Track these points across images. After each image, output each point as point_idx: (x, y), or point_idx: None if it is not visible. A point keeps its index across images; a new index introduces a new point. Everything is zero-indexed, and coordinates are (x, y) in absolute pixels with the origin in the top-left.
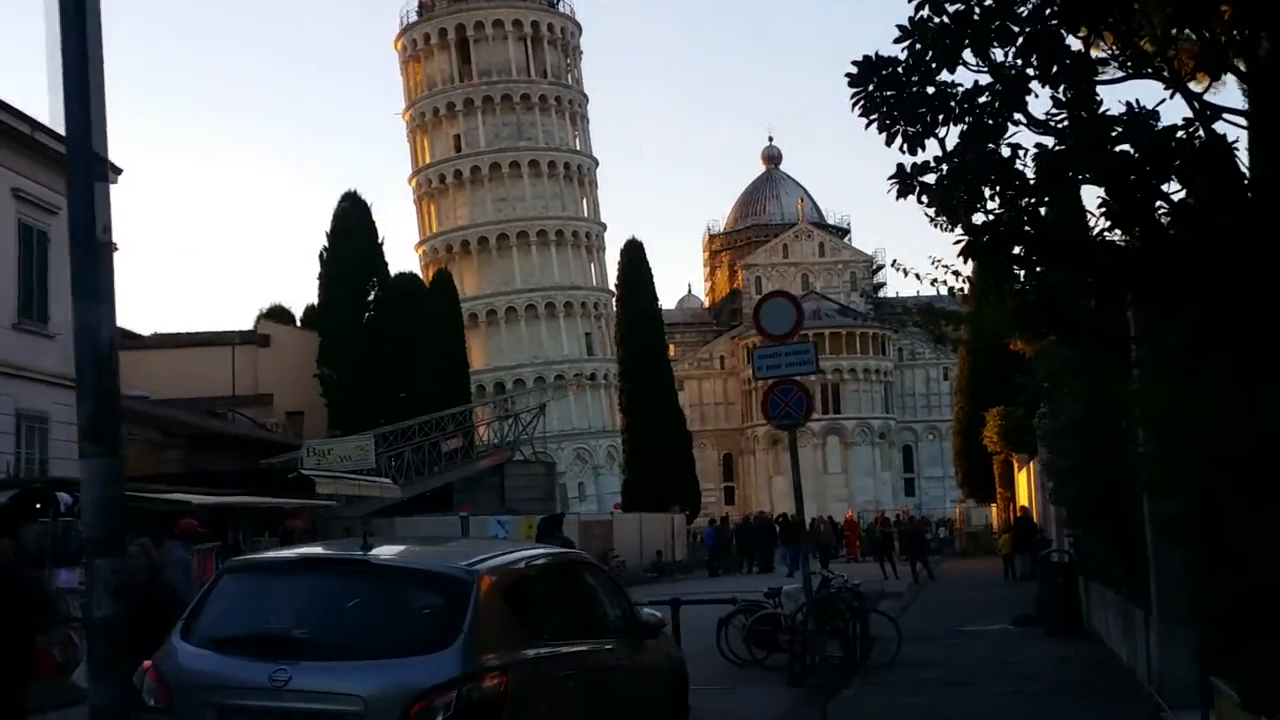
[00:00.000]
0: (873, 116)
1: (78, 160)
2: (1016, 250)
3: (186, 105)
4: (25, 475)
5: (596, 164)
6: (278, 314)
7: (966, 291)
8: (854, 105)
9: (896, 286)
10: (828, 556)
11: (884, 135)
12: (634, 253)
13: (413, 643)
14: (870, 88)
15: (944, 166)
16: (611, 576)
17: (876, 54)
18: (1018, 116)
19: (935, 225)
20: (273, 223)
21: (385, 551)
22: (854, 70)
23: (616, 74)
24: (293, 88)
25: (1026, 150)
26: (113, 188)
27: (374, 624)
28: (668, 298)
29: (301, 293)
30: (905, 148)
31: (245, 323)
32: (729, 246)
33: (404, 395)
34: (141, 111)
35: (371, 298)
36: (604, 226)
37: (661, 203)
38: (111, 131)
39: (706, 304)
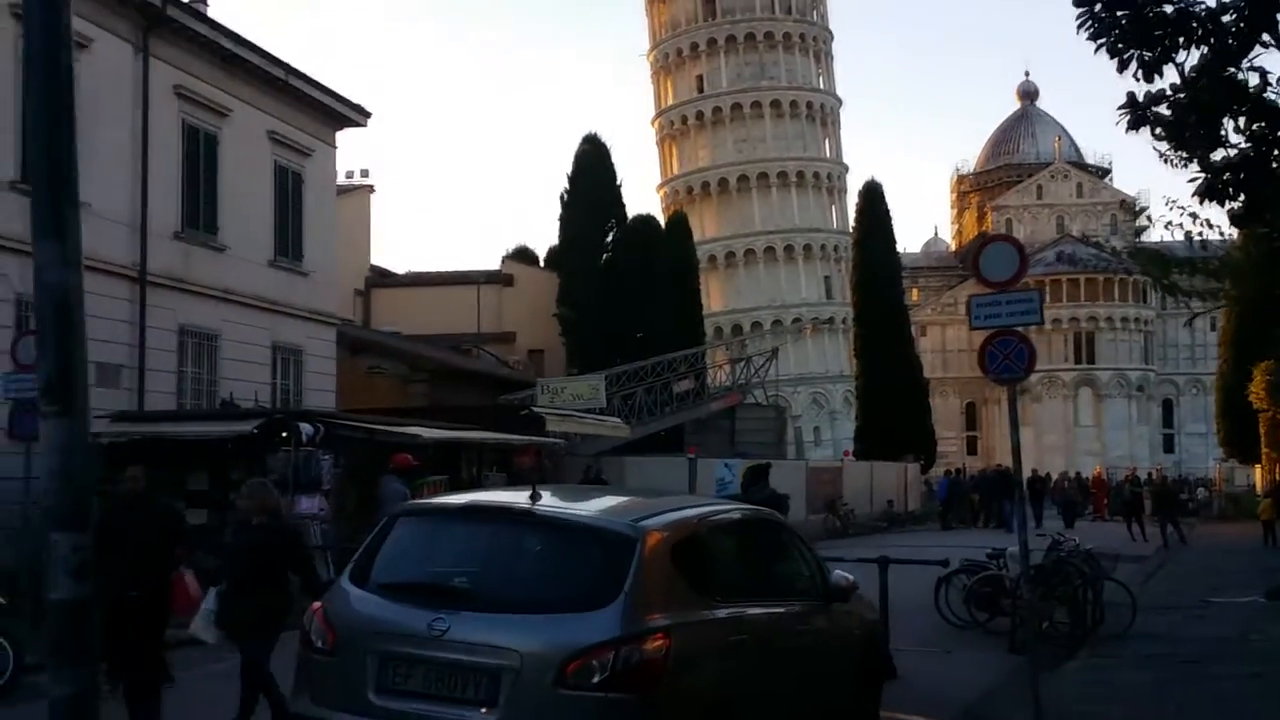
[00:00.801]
0: (1102, 40)
1: (36, 61)
2: (1265, 191)
3: (435, 44)
4: (281, 405)
5: (840, 103)
6: (522, 255)
7: (1204, 237)
8: (1080, 26)
9: (1161, 232)
10: (1072, 516)
11: (1115, 61)
12: (872, 194)
13: (573, 599)
14: (1099, 7)
15: (1181, 96)
16: (800, 536)
17: None
18: (1265, 38)
19: (1167, 163)
20: (522, 164)
21: (552, 502)
22: None
23: (865, 7)
24: (541, 32)
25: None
26: (365, 131)
27: (535, 577)
28: (913, 241)
29: (545, 234)
30: (1140, 74)
31: (493, 263)
32: (978, 187)
33: (640, 336)
34: (392, 53)
35: (610, 239)
36: (846, 168)
37: (909, 142)
38: (361, 71)
39: (953, 248)
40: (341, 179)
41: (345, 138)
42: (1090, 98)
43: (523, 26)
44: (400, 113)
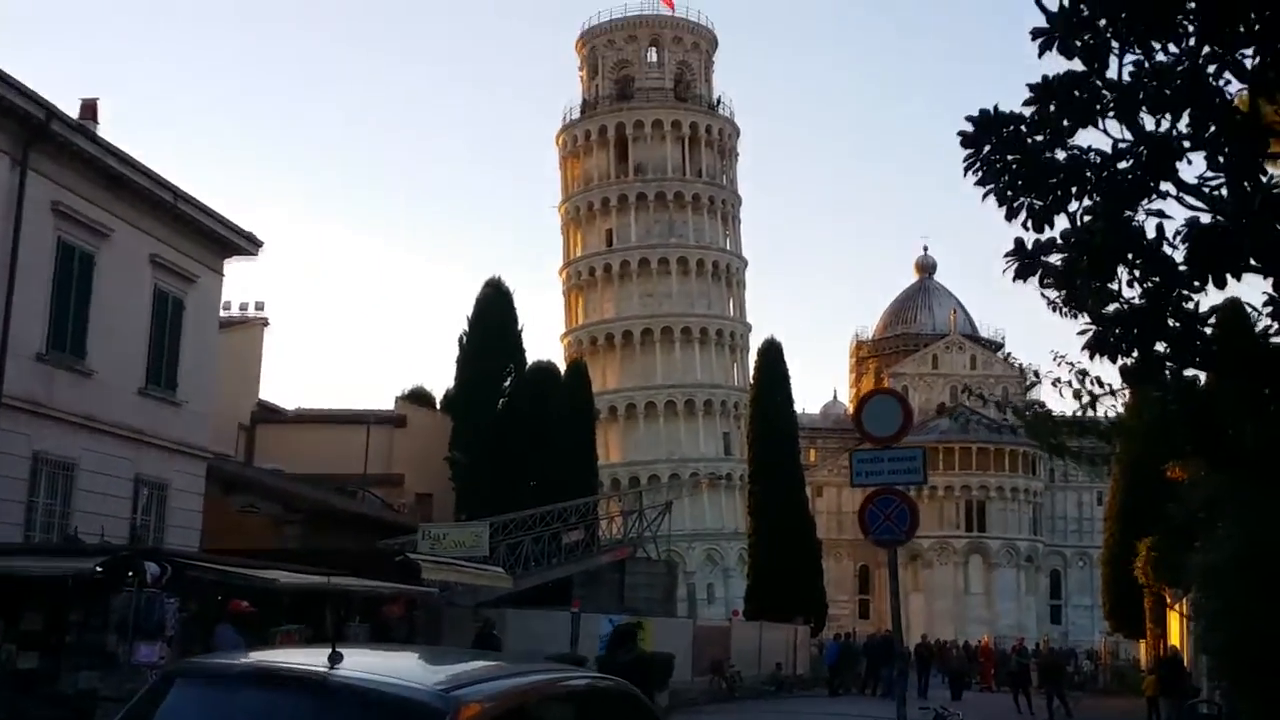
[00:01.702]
0: (991, 186)
1: None
2: (1158, 347)
3: (348, 185)
4: (139, 541)
5: (745, 264)
6: (418, 396)
7: (1094, 395)
8: (968, 169)
9: (1050, 405)
10: (960, 686)
11: (1004, 209)
12: (771, 352)
13: None
14: (987, 149)
15: (1072, 240)
16: (654, 710)
17: (996, 108)
18: (1165, 187)
19: (1058, 312)
20: (423, 305)
21: (355, 664)
22: (969, 128)
23: (772, 174)
24: (450, 175)
25: (1176, 227)
26: (259, 261)
27: None
28: (812, 402)
29: (444, 376)
30: (1030, 224)
31: (391, 403)
32: (877, 354)
33: (534, 484)
34: (301, 187)
35: (508, 384)
36: (749, 327)
37: (812, 306)
38: (268, 201)
39: (851, 411)
40: (235, 310)
41: (243, 268)
42: (985, 274)
43: (435, 168)
44: (303, 247)
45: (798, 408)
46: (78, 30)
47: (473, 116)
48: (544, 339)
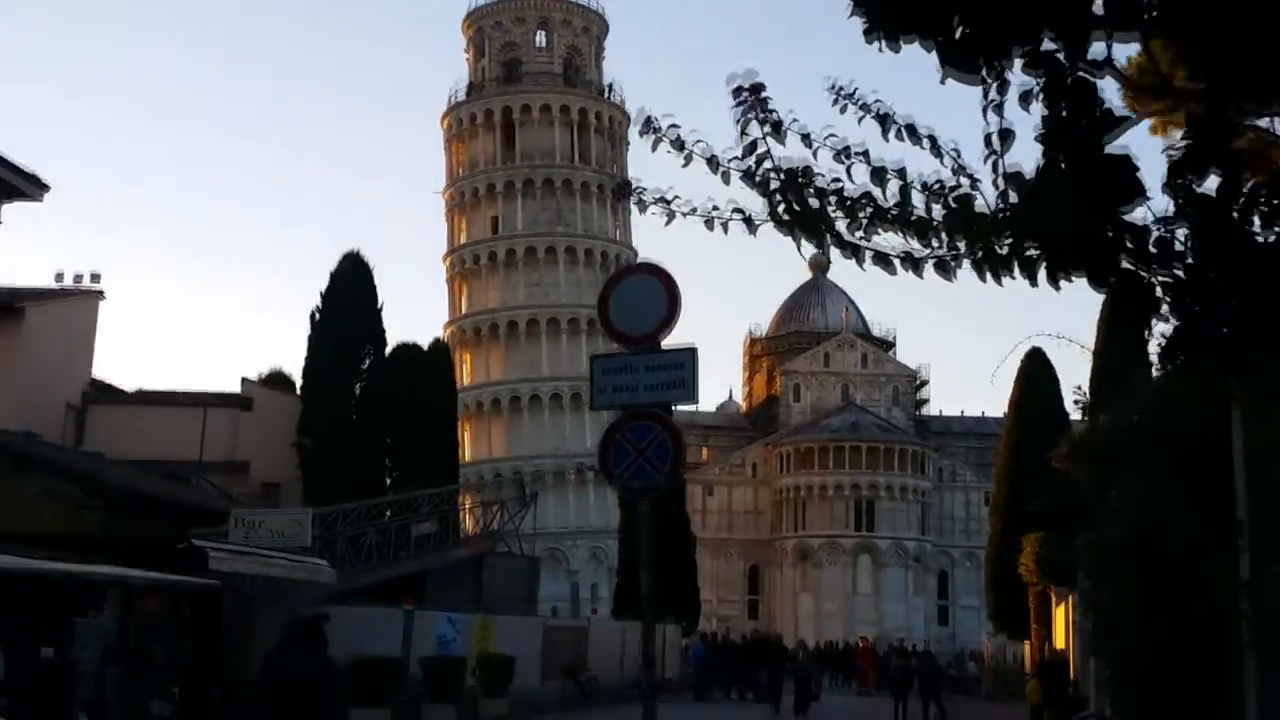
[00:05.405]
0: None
1: None
2: None
3: (211, 154)
4: None
5: (636, 255)
6: (276, 379)
7: (906, 178)
8: None
9: (940, 405)
10: (805, 694)
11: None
12: None
13: None
14: None
15: None
16: None
17: None
18: None
19: None
20: (290, 283)
21: None
22: None
23: (665, 165)
24: (325, 150)
25: None
26: (107, 228)
27: None
28: (707, 399)
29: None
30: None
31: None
32: (770, 352)
33: (395, 475)
34: (151, 143)
35: (366, 366)
36: None
37: (707, 301)
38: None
39: (744, 409)
40: (69, 281)
41: (84, 236)
42: (878, 273)
43: (309, 144)
44: (156, 215)
45: (690, 405)
46: None
47: (350, 96)
48: (420, 327)
